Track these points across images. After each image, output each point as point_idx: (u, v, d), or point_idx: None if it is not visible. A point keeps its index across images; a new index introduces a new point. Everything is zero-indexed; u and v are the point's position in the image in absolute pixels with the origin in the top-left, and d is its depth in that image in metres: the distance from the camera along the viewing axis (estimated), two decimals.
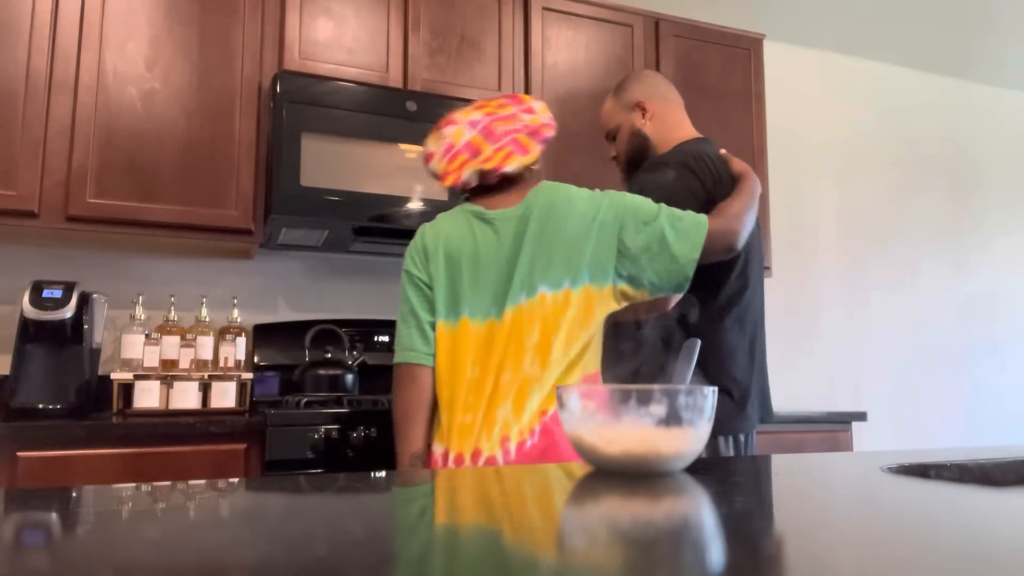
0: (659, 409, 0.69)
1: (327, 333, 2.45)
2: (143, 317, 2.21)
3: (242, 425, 1.84)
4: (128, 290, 2.36)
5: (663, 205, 1.40)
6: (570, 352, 1.34)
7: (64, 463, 1.70)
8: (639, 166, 1.67)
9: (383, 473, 0.74)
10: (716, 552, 0.39)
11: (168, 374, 2.03)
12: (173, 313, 2.25)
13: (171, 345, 2.11)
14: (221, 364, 2.15)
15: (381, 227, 2.22)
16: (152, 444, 1.77)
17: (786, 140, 3.57)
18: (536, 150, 1.44)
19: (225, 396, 2.03)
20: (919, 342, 3.78)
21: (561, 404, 0.74)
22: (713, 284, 1.53)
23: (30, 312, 1.92)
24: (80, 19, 2.08)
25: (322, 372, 2.22)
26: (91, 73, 2.07)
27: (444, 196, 2.27)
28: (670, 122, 1.71)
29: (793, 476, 0.71)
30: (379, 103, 2.26)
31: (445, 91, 2.42)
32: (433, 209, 2.24)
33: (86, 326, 2.02)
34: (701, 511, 0.52)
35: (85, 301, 2.02)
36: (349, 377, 2.25)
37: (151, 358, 2.07)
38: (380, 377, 2.50)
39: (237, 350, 2.20)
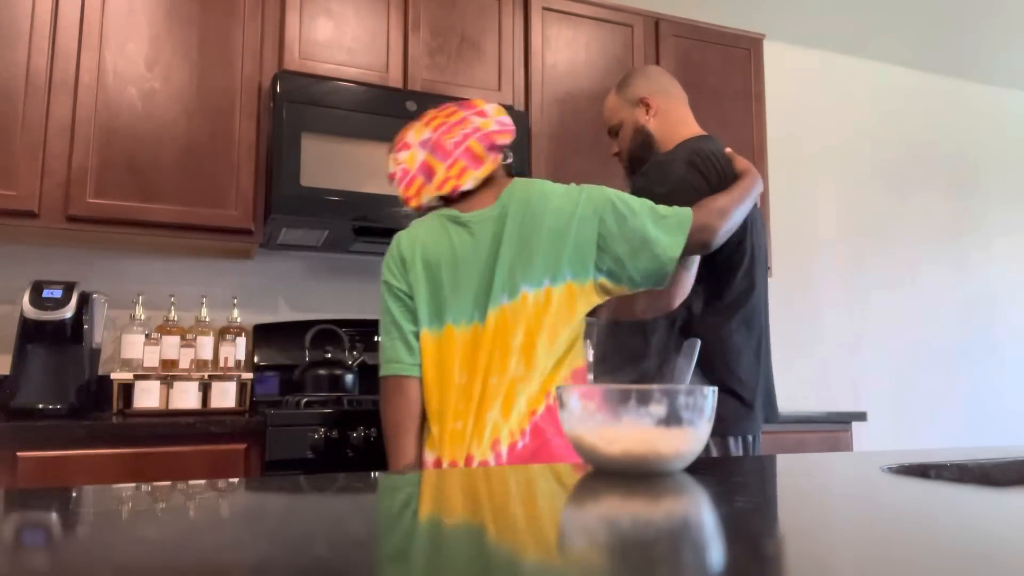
0: (659, 409, 0.69)
1: (327, 333, 2.45)
2: (143, 317, 2.21)
3: (242, 425, 1.84)
4: (128, 290, 2.36)
5: (645, 200, 1.38)
6: (554, 349, 1.33)
7: (64, 463, 1.70)
8: (642, 163, 1.66)
9: (383, 473, 0.74)
10: (716, 552, 0.39)
11: (168, 374, 2.03)
12: (173, 313, 2.25)
13: (171, 345, 2.11)
14: (221, 364, 2.15)
15: (381, 227, 2.22)
16: (152, 444, 1.77)
17: (786, 140, 3.57)
18: (490, 159, 1.42)
19: (225, 396, 2.03)
20: (919, 342, 3.78)
21: (561, 404, 0.74)
22: (719, 285, 1.52)
23: (30, 312, 1.92)
24: (80, 19, 2.08)
25: (322, 372, 2.22)
26: (91, 73, 2.07)
27: None
28: (674, 119, 1.69)
29: (793, 476, 0.71)
30: (379, 103, 2.26)
31: (445, 91, 2.42)
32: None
33: (86, 326, 2.02)
34: (701, 511, 0.52)
35: (85, 301, 2.02)
36: (349, 377, 2.25)
37: (151, 358, 2.07)
38: None
39: (237, 350, 2.20)
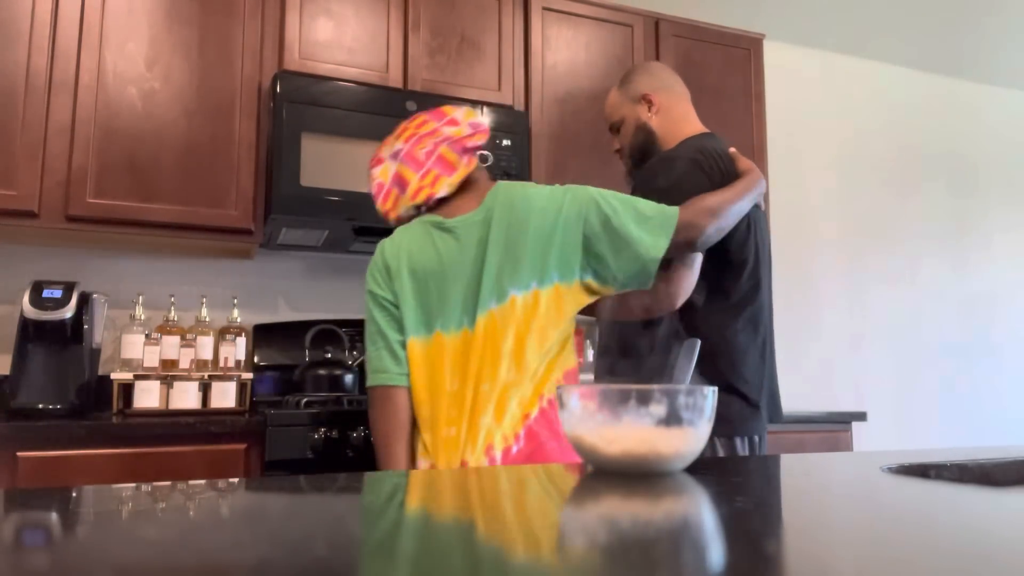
0: (659, 409, 0.69)
1: (327, 333, 2.45)
2: (143, 317, 2.21)
3: (242, 425, 1.84)
4: (128, 290, 2.36)
5: (629, 199, 1.37)
6: (545, 351, 1.32)
7: (64, 463, 1.70)
8: (644, 160, 1.64)
9: (383, 474, 0.74)
10: (716, 552, 0.39)
11: (168, 374, 2.03)
12: (173, 313, 2.25)
13: (171, 345, 2.11)
14: (221, 364, 2.15)
15: (381, 227, 2.22)
16: (152, 444, 1.77)
17: (786, 139, 3.57)
18: (463, 164, 1.42)
19: (225, 396, 2.03)
20: (919, 341, 3.78)
21: (561, 404, 0.74)
22: (726, 284, 1.51)
23: (30, 312, 1.92)
24: (80, 19, 2.08)
25: (322, 372, 2.22)
26: (91, 73, 2.07)
27: None
28: (676, 116, 1.67)
29: (793, 476, 0.71)
30: (379, 103, 2.26)
31: (445, 91, 2.42)
32: None
33: (86, 326, 2.02)
34: (701, 511, 0.52)
35: (85, 301, 2.02)
36: (349, 377, 2.25)
37: (151, 358, 2.07)
38: None
39: (237, 350, 2.20)
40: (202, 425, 1.81)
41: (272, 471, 1.83)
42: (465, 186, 1.43)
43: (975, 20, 3.57)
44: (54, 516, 0.49)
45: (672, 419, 0.69)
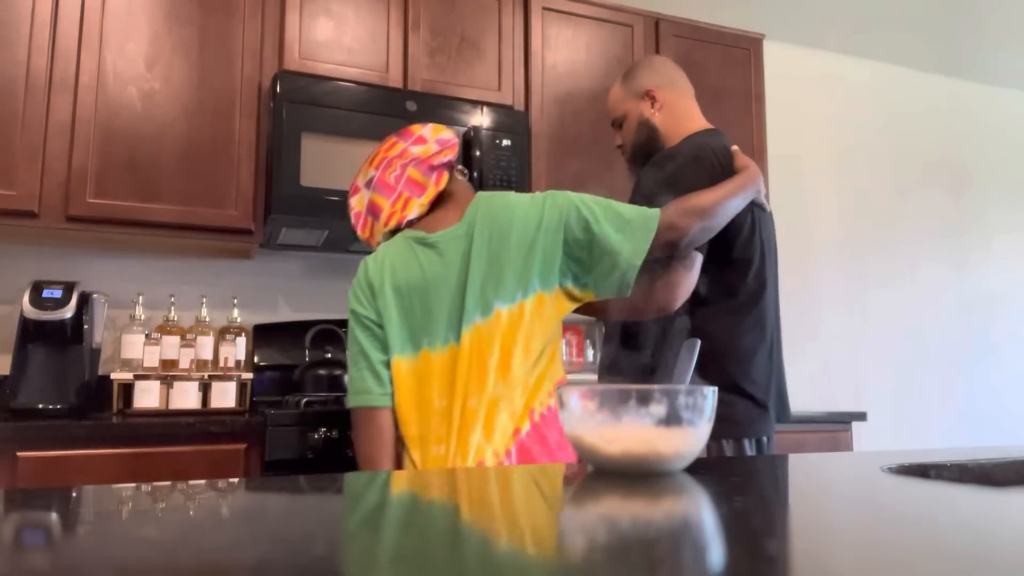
0: (659, 409, 0.69)
1: (327, 333, 2.45)
2: (143, 317, 2.21)
3: (242, 425, 1.84)
4: (128, 290, 2.36)
5: (611, 202, 1.36)
6: (531, 360, 1.31)
7: (64, 463, 1.70)
8: (646, 157, 1.62)
9: (382, 474, 0.74)
10: (716, 552, 0.39)
11: (168, 374, 2.03)
12: (173, 313, 2.25)
13: (171, 345, 2.11)
14: (221, 364, 2.15)
15: None
16: (152, 444, 1.77)
17: (786, 139, 3.57)
18: (431, 182, 1.41)
19: (225, 396, 2.03)
20: (919, 342, 3.78)
21: (561, 404, 0.74)
22: (730, 285, 1.50)
23: (30, 312, 1.92)
24: (80, 19, 2.08)
25: (322, 372, 2.22)
26: (91, 73, 2.07)
27: None
28: (680, 112, 1.65)
29: (793, 476, 0.71)
30: (379, 103, 2.26)
31: (445, 91, 2.42)
32: None
33: (86, 326, 2.02)
34: (701, 511, 0.52)
35: (85, 301, 2.03)
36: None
37: (151, 358, 2.07)
38: None
39: (237, 350, 2.20)
40: (202, 425, 1.81)
41: (272, 471, 1.83)
42: (445, 200, 1.43)
43: (975, 20, 3.57)
44: (54, 516, 0.49)
45: (672, 419, 0.69)
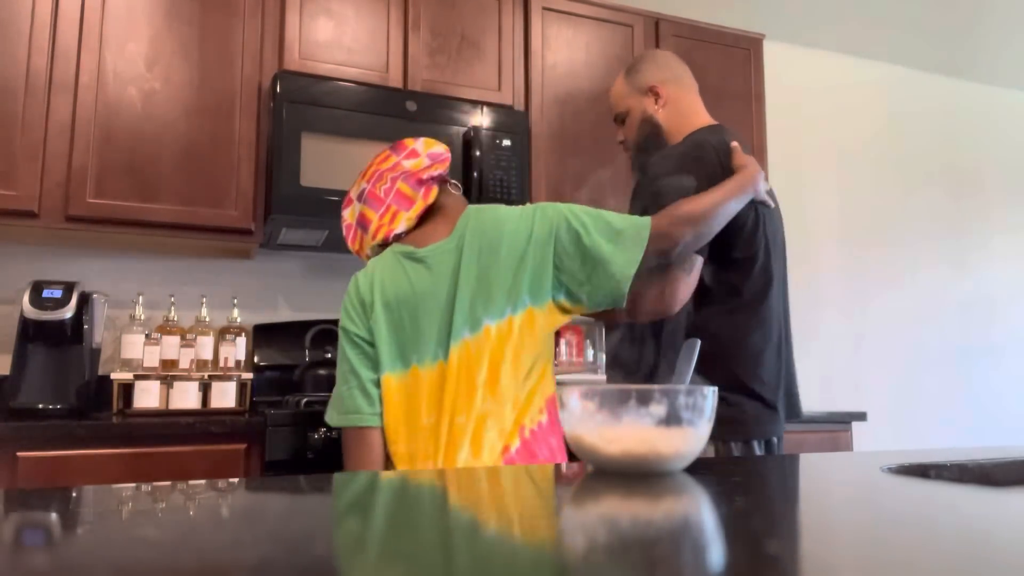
0: (659, 409, 0.69)
1: (327, 333, 2.45)
2: (143, 317, 2.21)
3: (242, 425, 1.84)
4: (128, 290, 2.36)
5: (602, 212, 1.35)
6: (520, 375, 1.29)
7: (64, 463, 1.70)
8: (648, 154, 1.59)
9: (382, 474, 0.74)
10: (716, 552, 0.39)
11: (168, 374, 2.03)
12: (173, 313, 2.25)
13: (171, 345, 2.11)
14: (221, 364, 2.15)
15: None
16: (152, 444, 1.77)
17: (786, 140, 3.56)
18: (419, 196, 1.40)
19: (225, 396, 2.03)
20: (919, 342, 3.78)
21: (561, 404, 0.74)
22: (735, 284, 1.47)
23: (30, 312, 1.92)
24: (80, 19, 2.08)
25: (322, 372, 2.22)
26: (91, 73, 2.07)
27: None
28: (684, 109, 1.62)
29: (793, 476, 0.71)
30: (379, 103, 2.26)
31: (445, 91, 2.42)
32: None
33: (86, 326, 2.02)
34: (701, 511, 0.52)
35: (85, 301, 2.02)
36: None
37: (151, 358, 2.07)
38: None
39: (237, 350, 2.20)
40: (202, 425, 1.81)
41: (272, 471, 1.82)
42: (435, 213, 1.42)
43: (975, 20, 3.57)
44: (54, 516, 0.49)
45: (672, 419, 0.69)
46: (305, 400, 2.02)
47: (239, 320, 2.36)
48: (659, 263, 1.36)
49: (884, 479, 0.66)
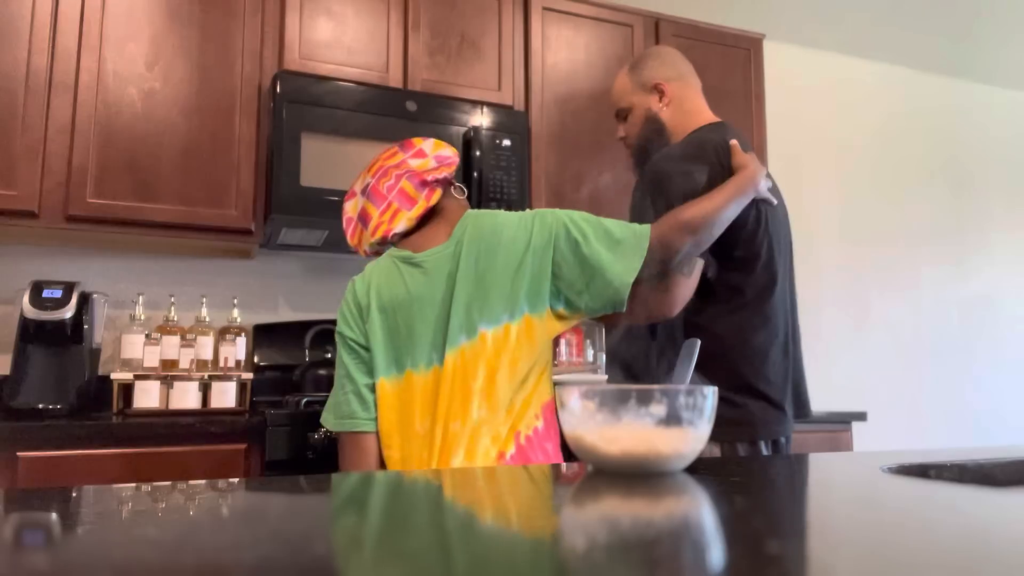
0: (659, 409, 0.69)
1: (327, 333, 2.45)
2: (143, 317, 2.20)
3: (242, 425, 1.84)
4: (128, 290, 2.36)
5: (601, 220, 1.34)
6: (516, 384, 1.29)
7: (64, 463, 1.70)
8: (649, 152, 1.58)
9: (381, 474, 0.74)
10: (716, 552, 0.39)
11: (168, 374, 2.03)
12: (173, 313, 2.25)
13: (171, 345, 2.11)
14: (221, 364, 2.15)
15: None
16: (152, 444, 1.77)
17: (786, 140, 3.57)
18: (422, 197, 1.39)
19: (225, 396, 2.03)
20: (919, 342, 3.78)
21: (561, 404, 0.74)
22: (738, 283, 1.46)
23: (30, 312, 1.92)
24: (80, 19, 2.08)
25: (322, 372, 2.22)
26: (91, 73, 2.07)
27: None
28: (688, 107, 1.60)
29: (793, 476, 0.71)
30: (379, 103, 2.26)
31: (445, 91, 2.42)
32: None
33: (86, 326, 2.02)
34: (701, 511, 0.52)
35: (85, 301, 2.03)
36: None
37: (151, 358, 2.07)
38: None
39: (237, 350, 2.20)
40: (202, 425, 1.81)
41: (272, 471, 1.82)
42: (435, 216, 1.41)
43: (975, 20, 3.57)
44: (54, 516, 0.49)
45: (672, 419, 0.69)
46: (305, 400, 2.02)
47: (239, 320, 2.36)
48: (659, 269, 1.36)
49: (884, 479, 0.66)
